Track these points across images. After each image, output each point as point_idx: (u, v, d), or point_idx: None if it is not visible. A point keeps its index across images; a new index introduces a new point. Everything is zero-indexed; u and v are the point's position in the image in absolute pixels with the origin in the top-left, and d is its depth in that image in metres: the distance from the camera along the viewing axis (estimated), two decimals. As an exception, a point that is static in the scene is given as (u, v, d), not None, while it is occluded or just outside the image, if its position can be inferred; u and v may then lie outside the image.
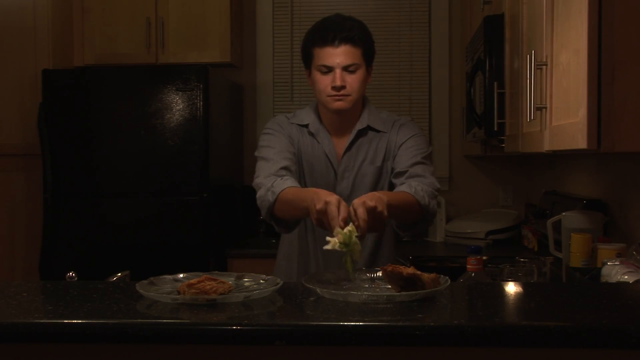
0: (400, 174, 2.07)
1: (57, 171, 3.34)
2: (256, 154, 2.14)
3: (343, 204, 1.69)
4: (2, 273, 3.47)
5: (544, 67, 1.78)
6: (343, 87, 2.03)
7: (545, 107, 1.76)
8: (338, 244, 1.55)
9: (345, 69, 2.03)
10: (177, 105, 3.30)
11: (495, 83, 2.41)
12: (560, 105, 1.67)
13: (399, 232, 2.10)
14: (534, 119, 1.81)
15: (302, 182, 2.14)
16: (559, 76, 1.68)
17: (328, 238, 1.58)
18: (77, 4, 3.72)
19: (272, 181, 1.98)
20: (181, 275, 1.51)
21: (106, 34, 3.73)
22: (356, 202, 1.71)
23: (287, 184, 1.96)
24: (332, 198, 1.70)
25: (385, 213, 1.73)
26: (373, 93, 3.91)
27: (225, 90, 3.71)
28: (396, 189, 2.03)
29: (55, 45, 3.53)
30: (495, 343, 1.23)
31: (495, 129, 2.41)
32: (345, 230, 1.57)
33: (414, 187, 1.97)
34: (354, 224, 1.65)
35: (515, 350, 1.28)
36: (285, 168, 2.03)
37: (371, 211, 1.69)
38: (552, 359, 1.29)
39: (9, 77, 3.49)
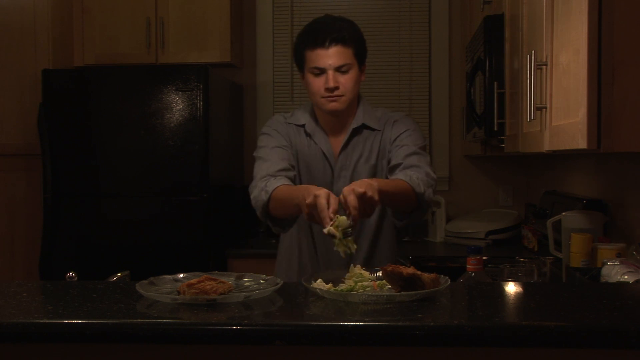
0: (395, 166, 2.06)
1: (57, 171, 3.34)
2: (254, 154, 2.15)
3: (332, 196, 1.70)
4: (2, 273, 3.47)
5: (544, 67, 1.78)
6: (336, 88, 2.03)
7: (545, 107, 1.76)
8: (333, 228, 1.62)
9: (338, 69, 2.03)
10: (177, 105, 3.30)
11: (495, 83, 2.41)
12: (560, 105, 1.67)
13: (395, 221, 2.09)
14: (534, 119, 1.81)
15: (299, 182, 2.14)
16: (559, 76, 1.68)
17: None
18: (77, 4, 3.72)
19: (266, 181, 2.00)
20: (181, 275, 1.52)
21: (106, 34, 3.73)
22: (346, 189, 1.71)
23: (279, 183, 1.97)
24: (321, 192, 1.71)
25: (376, 197, 1.73)
26: (373, 93, 3.92)
27: (225, 90, 3.71)
28: (391, 177, 2.03)
29: (55, 45, 3.53)
30: (495, 343, 1.23)
31: (495, 129, 2.41)
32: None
33: (409, 175, 1.97)
34: (345, 212, 1.68)
35: (515, 350, 1.28)
36: (282, 170, 2.04)
37: (361, 197, 1.69)
38: (552, 359, 1.29)
39: (9, 77, 3.49)
